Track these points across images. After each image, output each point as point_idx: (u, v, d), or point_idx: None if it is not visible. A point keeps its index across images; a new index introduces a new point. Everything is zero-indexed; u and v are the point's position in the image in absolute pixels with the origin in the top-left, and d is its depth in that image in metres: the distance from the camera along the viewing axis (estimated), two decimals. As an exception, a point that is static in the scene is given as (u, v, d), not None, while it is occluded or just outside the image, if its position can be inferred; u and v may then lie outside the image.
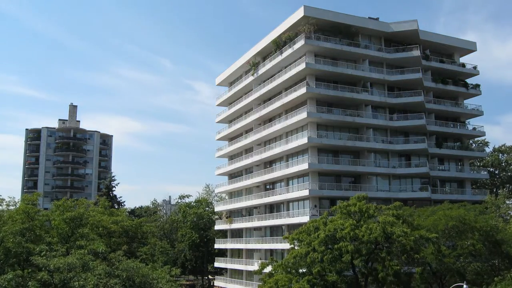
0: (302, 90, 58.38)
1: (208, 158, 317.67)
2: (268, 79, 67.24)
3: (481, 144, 78.99)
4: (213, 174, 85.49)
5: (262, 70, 67.86)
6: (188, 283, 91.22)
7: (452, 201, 51.30)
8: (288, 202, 62.42)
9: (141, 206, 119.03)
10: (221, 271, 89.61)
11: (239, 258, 73.62)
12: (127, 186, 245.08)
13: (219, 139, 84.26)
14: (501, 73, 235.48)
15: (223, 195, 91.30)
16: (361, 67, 61.86)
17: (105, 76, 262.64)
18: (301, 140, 58.49)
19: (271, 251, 64.66)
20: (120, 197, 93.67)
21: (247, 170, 74.47)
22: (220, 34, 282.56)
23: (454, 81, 68.47)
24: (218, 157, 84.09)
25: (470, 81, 70.66)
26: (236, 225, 74.53)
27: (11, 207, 44.74)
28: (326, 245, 36.47)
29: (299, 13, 58.98)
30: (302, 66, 58.50)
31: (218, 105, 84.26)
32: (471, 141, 73.04)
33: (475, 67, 70.67)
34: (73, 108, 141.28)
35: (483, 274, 41.54)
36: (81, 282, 31.40)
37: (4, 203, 44.63)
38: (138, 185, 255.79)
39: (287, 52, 61.34)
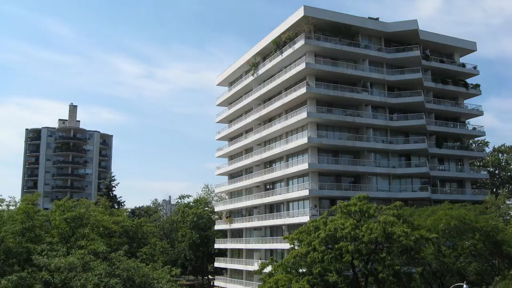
0: (302, 90, 58.39)
1: (203, 157, 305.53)
2: (268, 79, 67.24)
3: (481, 144, 79.01)
4: (213, 174, 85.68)
5: (262, 70, 67.87)
6: (188, 283, 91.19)
7: (452, 201, 51.17)
8: (288, 202, 62.42)
9: (141, 206, 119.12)
10: (221, 271, 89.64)
11: (239, 258, 73.62)
12: (127, 183, 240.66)
13: (219, 139, 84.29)
14: (482, 43, 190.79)
15: (223, 195, 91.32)
16: (361, 67, 61.86)
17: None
18: (301, 140, 58.50)
19: (271, 251, 64.67)
20: (120, 197, 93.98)
21: (247, 170, 74.48)
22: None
23: (454, 81, 68.49)
24: (218, 157, 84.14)
25: (470, 81, 70.72)
26: (236, 225, 74.53)
27: (12, 207, 44.80)
28: (326, 245, 36.50)
29: (299, 13, 58.97)
30: (302, 66, 58.50)
31: (218, 105, 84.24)
32: (471, 141, 73.10)
33: (475, 67, 70.69)
34: (73, 108, 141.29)
35: (483, 274, 41.59)
36: (82, 282, 31.45)
37: (4, 204, 44.70)
38: (132, 182, 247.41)
39: (287, 52, 61.35)
